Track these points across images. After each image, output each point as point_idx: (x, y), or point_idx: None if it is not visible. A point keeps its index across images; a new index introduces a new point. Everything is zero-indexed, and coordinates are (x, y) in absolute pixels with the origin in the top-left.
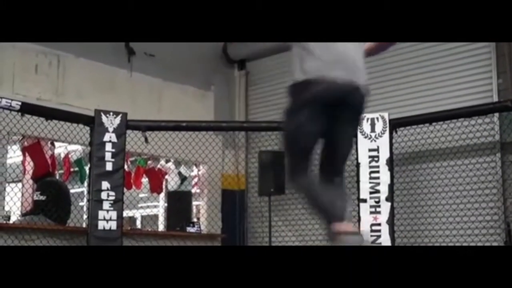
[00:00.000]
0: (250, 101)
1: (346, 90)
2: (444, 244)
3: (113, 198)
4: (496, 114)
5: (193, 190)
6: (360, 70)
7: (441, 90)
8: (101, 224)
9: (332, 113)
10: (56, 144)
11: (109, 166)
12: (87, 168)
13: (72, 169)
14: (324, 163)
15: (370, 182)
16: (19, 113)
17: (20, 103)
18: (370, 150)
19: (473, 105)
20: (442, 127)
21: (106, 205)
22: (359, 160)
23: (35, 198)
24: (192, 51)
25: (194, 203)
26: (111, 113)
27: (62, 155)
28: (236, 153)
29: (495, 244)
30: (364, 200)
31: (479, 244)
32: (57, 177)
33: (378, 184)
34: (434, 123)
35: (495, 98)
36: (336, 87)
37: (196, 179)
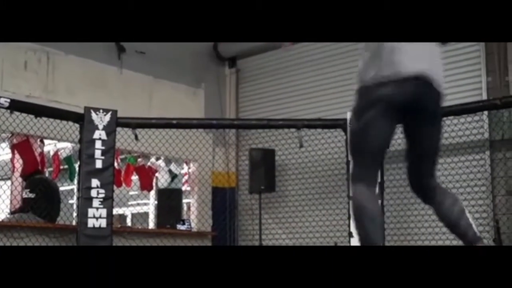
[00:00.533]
0: (240, 99)
1: (419, 92)
2: (434, 242)
3: (102, 195)
4: (485, 112)
5: (183, 188)
6: (439, 66)
7: None
8: (91, 222)
9: (407, 113)
10: (46, 141)
11: (98, 164)
12: (76, 166)
13: (61, 167)
14: (412, 168)
15: None
16: (8, 110)
17: (9, 100)
18: None
19: (462, 103)
20: None
21: (95, 203)
22: (349, 158)
23: (24, 196)
24: (182, 49)
25: (185, 200)
26: (101, 111)
27: (52, 153)
28: (226, 150)
29: (484, 241)
30: None
31: None
32: (47, 175)
33: None
34: None
35: (484, 96)
36: (406, 89)
37: (186, 177)
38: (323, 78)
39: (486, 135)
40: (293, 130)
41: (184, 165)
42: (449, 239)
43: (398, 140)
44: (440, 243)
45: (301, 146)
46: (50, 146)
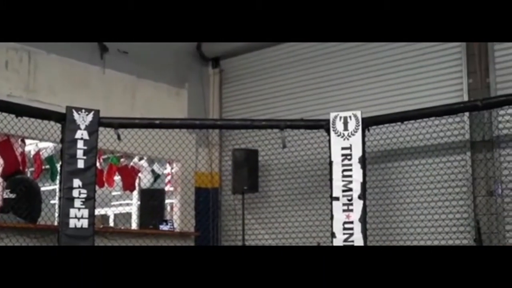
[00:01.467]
0: (224, 99)
1: None
2: (416, 242)
3: (84, 196)
4: (467, 114)
5: (166, 188)
6: None
7: (413, 89)
8: (73, 222)
9: None
10: (27, 141)
11: (80, 164)
12: (58, 166)
13: (43, 167)
14: None
15: (343, 180)
16: None
17: None
18: (343, 148)
19: (444, 104)
20: (414, 125)
21: (77, 203)
22: (332, 159)
23: (5, 196)
24: (166, 49)
25: (167, 201)
26: (83, 110)
27: (33, 152)
28: (209, 151)
29: (465, 241)
30: (337, 198)
31: (450, 241)
32: (28, 175)
33: (351, 182)
34: (406, 122)
35: (466, 98)
36: None
37: (169, 177)
38: (306, 79)
39: (467, 136)
40: (276, 130)
41: (167, 165)
42: (431, 240)
43: (381, 141)
44: (422, 243)
45: (284, 146)
46: (31, 146)
